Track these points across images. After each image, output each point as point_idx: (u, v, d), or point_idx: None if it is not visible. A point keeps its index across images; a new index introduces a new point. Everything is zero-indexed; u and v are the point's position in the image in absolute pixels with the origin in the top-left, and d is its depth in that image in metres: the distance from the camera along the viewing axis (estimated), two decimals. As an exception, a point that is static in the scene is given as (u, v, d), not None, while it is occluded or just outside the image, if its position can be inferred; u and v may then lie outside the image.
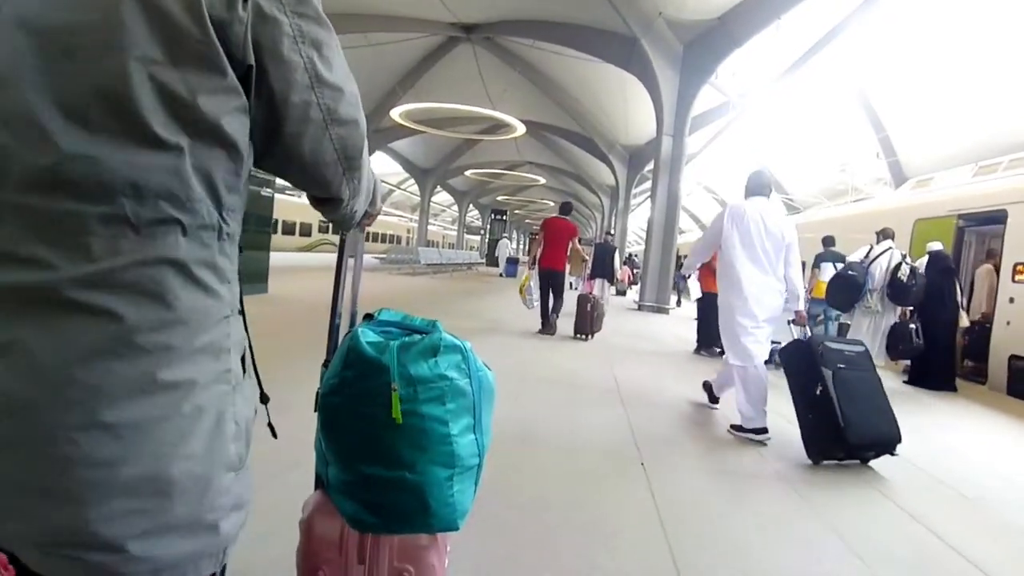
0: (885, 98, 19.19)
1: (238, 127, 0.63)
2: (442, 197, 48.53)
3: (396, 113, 18.14)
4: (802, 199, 26.75)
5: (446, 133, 21.43)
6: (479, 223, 45.66)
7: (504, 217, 35.04)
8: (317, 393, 1.21)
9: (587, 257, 10.68)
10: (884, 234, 6.83)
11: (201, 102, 0.58)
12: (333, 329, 1.34)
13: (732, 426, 4.03)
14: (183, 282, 0.60)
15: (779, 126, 22.36)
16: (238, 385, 0.68)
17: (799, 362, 3.71)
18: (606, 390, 4.97)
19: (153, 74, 0.56)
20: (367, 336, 1.18)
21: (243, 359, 0.71)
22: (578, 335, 7.93)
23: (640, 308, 13.59)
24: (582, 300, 8.02)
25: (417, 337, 1.19)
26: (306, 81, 0.66)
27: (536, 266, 7.98)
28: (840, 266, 7.83)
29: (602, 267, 11.40)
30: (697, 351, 7.80)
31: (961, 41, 14.60)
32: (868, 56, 16.58)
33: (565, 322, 8.08)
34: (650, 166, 22.03)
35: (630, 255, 23.28)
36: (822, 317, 8.06)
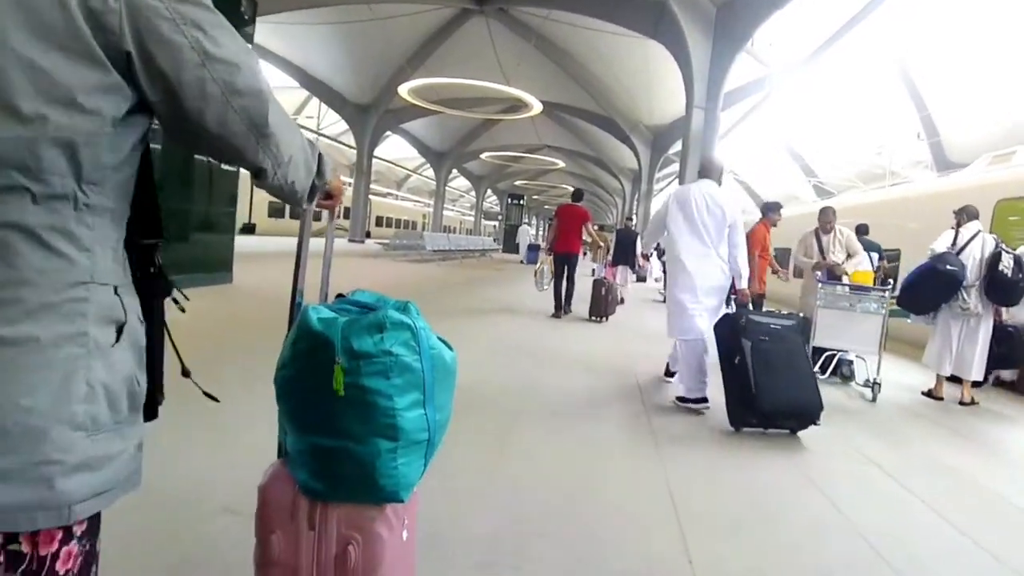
0: (928, 74, 18.42)
1: (107, 106, 0.70)
2: (460, 183, 48.46)
3: (404, 90, 17.89)
4: (835, 183, 26.03)
5: (460, 112, 21.16)
6: (498, 209, 45.41)
7: (521, 202, 34.85)
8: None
9: (602, 243, 11.38)
10: (967, 214, 5.46)
11: (63, 85, 0.66)
12: (294, 307, 1.41)
13: (677, 398, 4.40)
14: (30, 245, 0.67)
15: (813, 105, 21.67)
16: (97, 350, 0.73)
17: (726, 334, 4.02)
18: (615, 368, 5.61)
19: (22, 58, 0.65)
20: (318, 312, 1.28)
21: (120, 329, 0.77)
22: (592, 317, 8.70)
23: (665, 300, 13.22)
24: (597, 284, 8.80)
25: (366, 314, 1.28)
26: (195, 59, 0.74)
27: (552, 251, 8.96)
28: (875, 256, 7.68)
29: (623, 254, 11.48)
30: None
31: (1015, 12, 13.84)
32: (912, 27, 15.91)
33: (582, 307, 8.92)
34: (675, 148, 21.60)
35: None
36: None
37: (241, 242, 16.19)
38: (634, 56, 16.32)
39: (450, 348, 1.39)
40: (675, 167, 25.05)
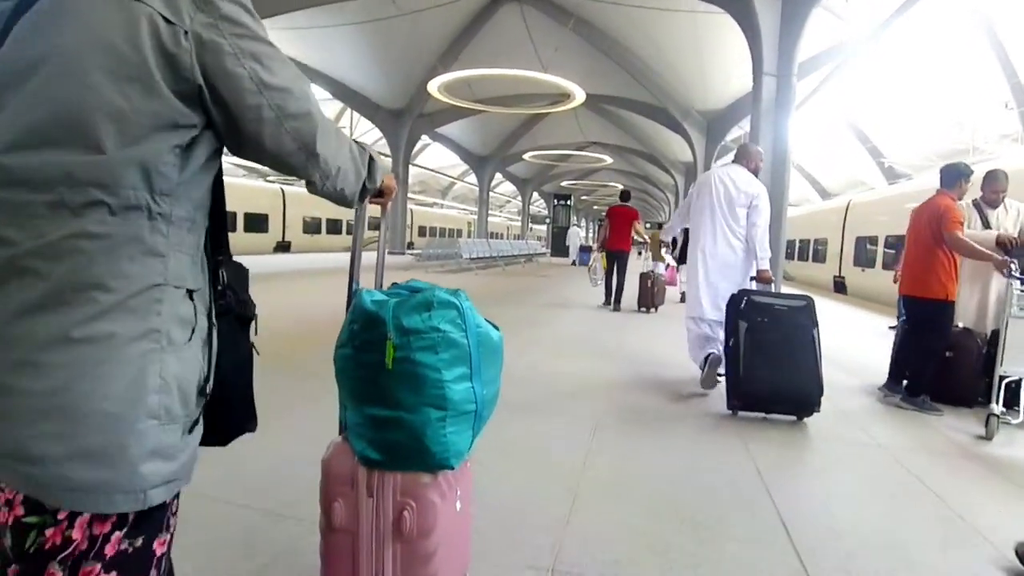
0: (1019, 34, 17.30)
1: (176, 133, 0.86)
2: (506, 188, 48.65)
3: (435, 87, 17.43)
4: (908, 163, 24.73)
5: (497, 110, 21.04)
6: (546, 212, 45.31)
7: (568, 202, 34.87)
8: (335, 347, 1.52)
9: (647, 240, 12.04)
10: None
11: (138, 120, 0.81)
12: (351, 294, 1.63)
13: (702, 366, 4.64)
14: (105, 252, 0.80)
15: (883, 78, 20.66)
16: (170, 347, 0.86)
17: (728, 314, 4.18)
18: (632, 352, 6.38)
19: (102, 97, 0.80)
20: (372, 296, 1.49)
21: (193, 329, 0.90)
22: (641, 308, 9.95)
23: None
24: (643, 277, 9.99)
25: (416, 295, 1.47)
26: (253, 88, 0.89)
27: (603, 249, 10.43)
28: None
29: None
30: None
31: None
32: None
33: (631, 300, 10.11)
34: (732, 135, 21.05)
35: None
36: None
37: (273, 261, 16.88)
38: (683, 32, 15.78)
39: (496, 328, 1.56)
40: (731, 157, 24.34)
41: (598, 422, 3.80)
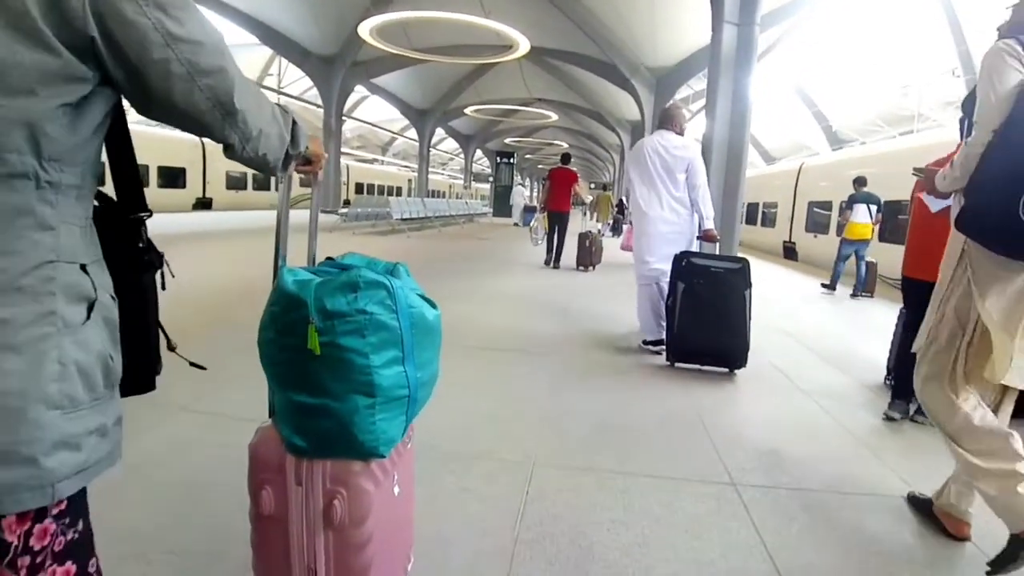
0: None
1: (66, 90, 0.78)
2: (449, 145, 47.92)
3: (367, 30, 16.49)
4: (854, 127, 25.49)
5: (436, 59, 20.31)
6: (489, 171, 44.97)
7: (512, 160, 34.46)
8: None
9: (587, 200, 13.08)
10: None
11: (21, 73, 0.74)
12: (277, 271, 1.54)
13: (642, 341, 5.06)
14: None
15: (829, 42, 21.09)
16: (67, 329, 0.81)
17: (671, 275, 4.60)
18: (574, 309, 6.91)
19: None
20: (295, 275, 1.43)
21: (91, 306, 0.85)
22: (579, 267, 10.67)
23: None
24: (582, 238, 10.67)
25: (338, 274, 1.43)
26: (159, 40, 0.82)
27: (545, 210, 11.14)
28: (873, 208, 9.00)
29: None
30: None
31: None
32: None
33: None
34: (681, 92, 21.15)
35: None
36: (853, 256, 9.48)
37: (193, 220, 15.88)
38: None
39: (434, 306, 1.53)
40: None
41: (551, 371, 4.31)
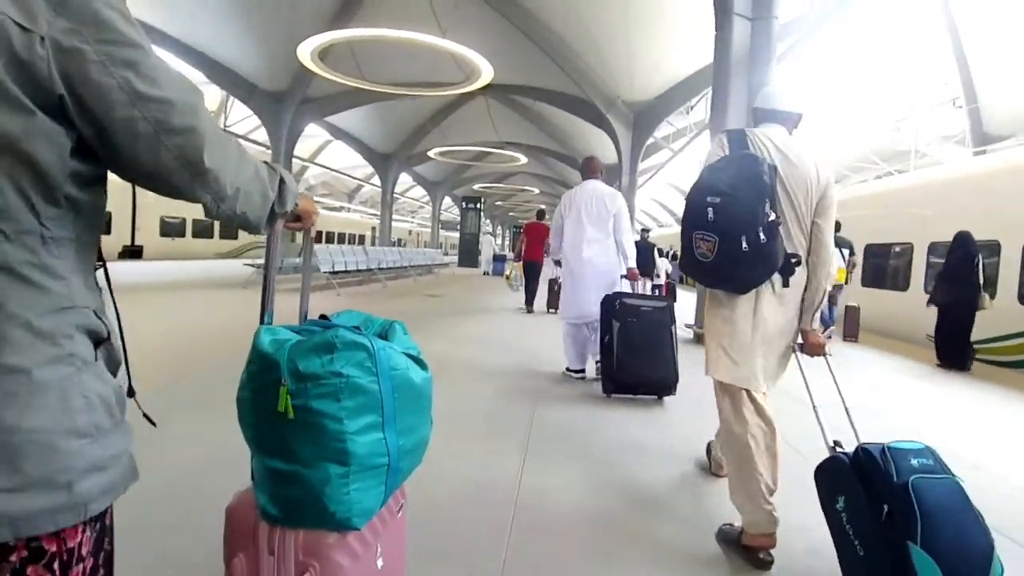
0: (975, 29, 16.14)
1: (47, 148, 0.84)
2: (418, 192, 45.85)
3: (307, 53, 14.60)
4: (844, 163, 23.84)
5: (393, 90, 18.76)
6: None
7: (478, 206, 32.74)
8: None
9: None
10: None
11: (6, 134, 0.80)
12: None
13: (566, 368, 6.01)
14: (11, 282, 0.83)
15: (824, 72, 19.42)
16: (85, 366, 0.90)
17: (603, 314, 5.22)
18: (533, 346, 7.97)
19: None
20: (272, 334, 1.42)
21: (100, 344, 0.95)
22: (550, 310, 11.64)
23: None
24: (551, 283, 11.56)
25: (315, 334, 1.40)
26: (124, 99, 0.85)
27: (520, 259, 13.25)
28: (846, 252, 8.91)
29: (643, 265, 12.59)
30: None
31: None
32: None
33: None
34: (662, 131, 19.31)
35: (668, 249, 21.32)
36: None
37: (121, 270, 13.29)
38: (611, 9, 14.47)
39: (424, 368, 1.51)
40: (659, 157, 22.73)
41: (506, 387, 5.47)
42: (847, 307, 9.79)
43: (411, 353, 1.49)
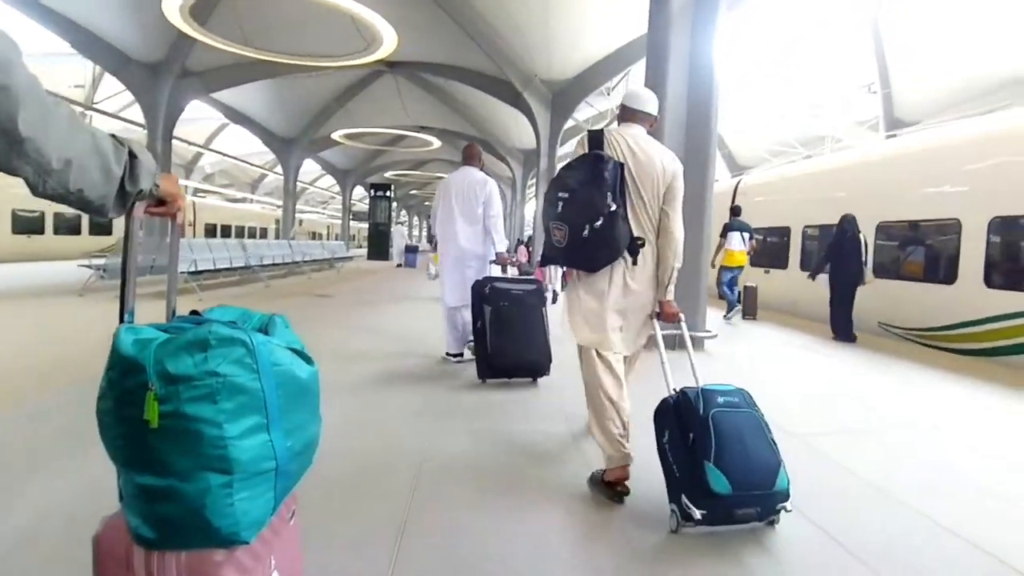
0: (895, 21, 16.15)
1: None
2: (329, 181, 43.27)
3: (173, 10, 12.43)
4: (753, 155, 23.90)
5: (280, 59, 16.46)
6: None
7: (388, 194, 30.81)
8: None
9: None
10: None
11: None
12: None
13: (445, 353, 6.15)
14: None
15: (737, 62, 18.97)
16: None
17: (475, 299, 5.23)
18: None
19: None
20: (135, 333, 1.28)
21: None
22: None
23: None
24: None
25: (186, 331, 1.28)
26: None
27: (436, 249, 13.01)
28: (746, 236, 9.89)
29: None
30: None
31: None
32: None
33: None
34: (583, 111, 18.15)
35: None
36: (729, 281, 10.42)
37: None
38: None
39: (309, 362, 1.42)
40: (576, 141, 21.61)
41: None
42: (745, 287, 10.45)
43: (294, 347, 1.40)
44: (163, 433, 1.16)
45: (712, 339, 7.36)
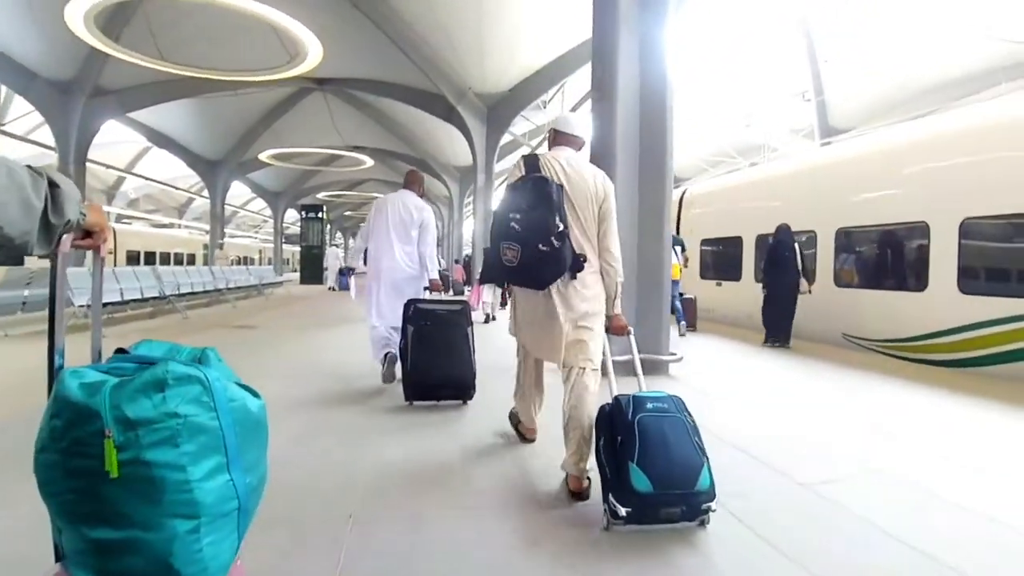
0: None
1: None
2: (260, 204, 41.99)
3: (76, 19, 11.46)
4: (688, 164, 24.31)
5: (199, 73, 15.48)
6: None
7: (320, 215, 30.08)
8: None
9: None
10: None
11: None
12: (53, 373, 1.26)
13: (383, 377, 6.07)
14: None
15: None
16: None
17: (402, 320, 5.21)
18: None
19: None
20: (81, 377, 1.18)
21: None
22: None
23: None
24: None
25: (142, 371, 1.20)
26: None
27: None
28: (679, 249, 9.92)
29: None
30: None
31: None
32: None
33: None
34: (519, 126, 18.19)
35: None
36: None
37: None
38: None
39: (256, 396, 1.36)
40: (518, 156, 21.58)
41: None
42: (684, 299, 10.63)
43: (239, 382, 1.34)
44: (122, 482, 1.09)
45: (677, 363, 6.57)
